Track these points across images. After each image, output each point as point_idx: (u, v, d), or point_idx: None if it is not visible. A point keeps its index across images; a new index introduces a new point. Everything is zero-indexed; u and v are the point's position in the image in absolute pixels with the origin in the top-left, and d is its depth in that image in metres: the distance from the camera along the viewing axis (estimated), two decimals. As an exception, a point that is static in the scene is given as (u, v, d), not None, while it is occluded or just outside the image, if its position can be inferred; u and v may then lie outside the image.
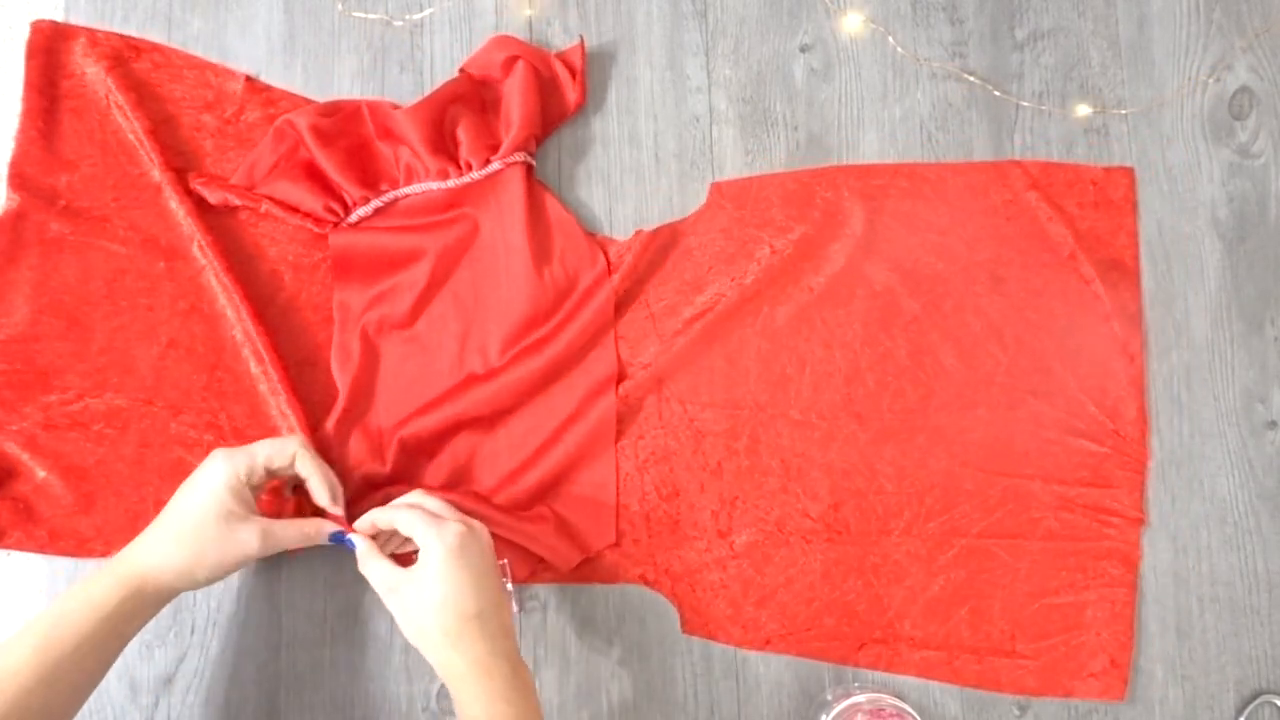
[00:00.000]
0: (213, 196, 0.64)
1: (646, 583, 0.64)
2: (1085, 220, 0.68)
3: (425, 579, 0.52)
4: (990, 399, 0.66)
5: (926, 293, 0.67)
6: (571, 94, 0.67)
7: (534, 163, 0.66)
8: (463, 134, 0.64)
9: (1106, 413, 0.66)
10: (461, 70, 0.67)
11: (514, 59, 0.66)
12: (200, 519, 0.53)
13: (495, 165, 0.65)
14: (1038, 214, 0.68)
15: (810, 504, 0.65)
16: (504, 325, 0.65)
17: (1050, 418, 0.66)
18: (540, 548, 0.62)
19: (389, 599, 0.54)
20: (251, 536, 0.54)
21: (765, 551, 0.65)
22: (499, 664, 0.52)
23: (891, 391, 0.66)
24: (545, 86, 0.67)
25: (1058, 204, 0.68)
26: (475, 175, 0.65)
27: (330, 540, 0.58)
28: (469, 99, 0.66)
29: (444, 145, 0.65)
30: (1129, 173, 0.68)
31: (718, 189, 0.68)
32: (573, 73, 0.67)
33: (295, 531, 0.57)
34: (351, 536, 0.58)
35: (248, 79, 0.67)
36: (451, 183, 0.65)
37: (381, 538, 0.58)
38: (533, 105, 0.65)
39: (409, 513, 0.55)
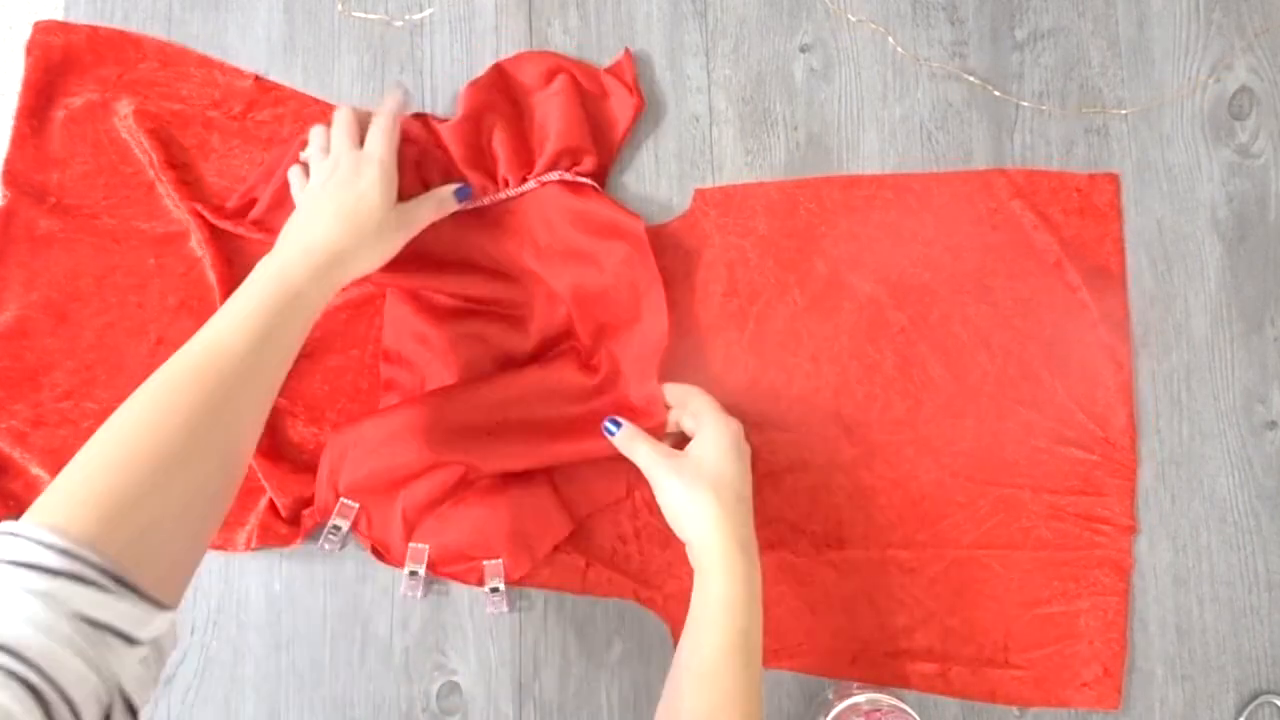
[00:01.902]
0: None
1: (640, 600, 0.63)
2: (1070, 227, 0.68)
3: (712, 458, 0.56)
4: (979, 409, 0.66)
5: (913, 304, 0.67)
6: (628, 102, 0.66)
7: (574, 178, 0.65)
8: (500, 149, 0.64)
9: (1096, 420, 0.66)
10: (496, 66, 0.67)
11: (555, 71, 0.65)
12: (381, 218, 0.57)
13: (530, 185, 0.65)
14: (1023, 222, 0.67)
15: (801, 519, 0.65)
16: (542, 324, 0.65)
17: (1039, 426, 0.66)
18: (534, 519, 0.62)
19: (661, 474, 0.57)
20: (403, 219, 0.60)
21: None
22: (750, 549, 0.55)
23: (880, 403, 0.66)
24: (591, 102, 0.66)
25: (1043, 212, 0.67)
26: (511, 193, 0.65)
27: (457, 197, 0.63)
28: (503, 108, 0.66)
29: (482, 161, 0.65)
30: (1114, 179, 0.68)
31: (701, 195, 0.68)
32: (625, 84, 0.66)
33: (432, 205, 0.61)
34: (612, 423, 0.60)
35: (256, 78, 0.67)
36: (487, 200, 0.65)
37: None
38: (572, 122, 0.64)
39: (701, 397, 0.61)
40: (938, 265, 0.67)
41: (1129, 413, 0.66)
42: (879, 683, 0.63)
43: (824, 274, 0.67)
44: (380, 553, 0.62)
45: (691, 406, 0.61)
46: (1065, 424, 0.66)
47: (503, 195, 0.65)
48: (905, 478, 0.65)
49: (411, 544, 0.62)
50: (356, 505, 0.62)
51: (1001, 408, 0.66)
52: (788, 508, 0.65)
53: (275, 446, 0.64)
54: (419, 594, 0.63)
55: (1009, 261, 0.67)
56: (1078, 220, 0.68)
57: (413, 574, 0.62)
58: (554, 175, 0.64)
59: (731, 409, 0.65)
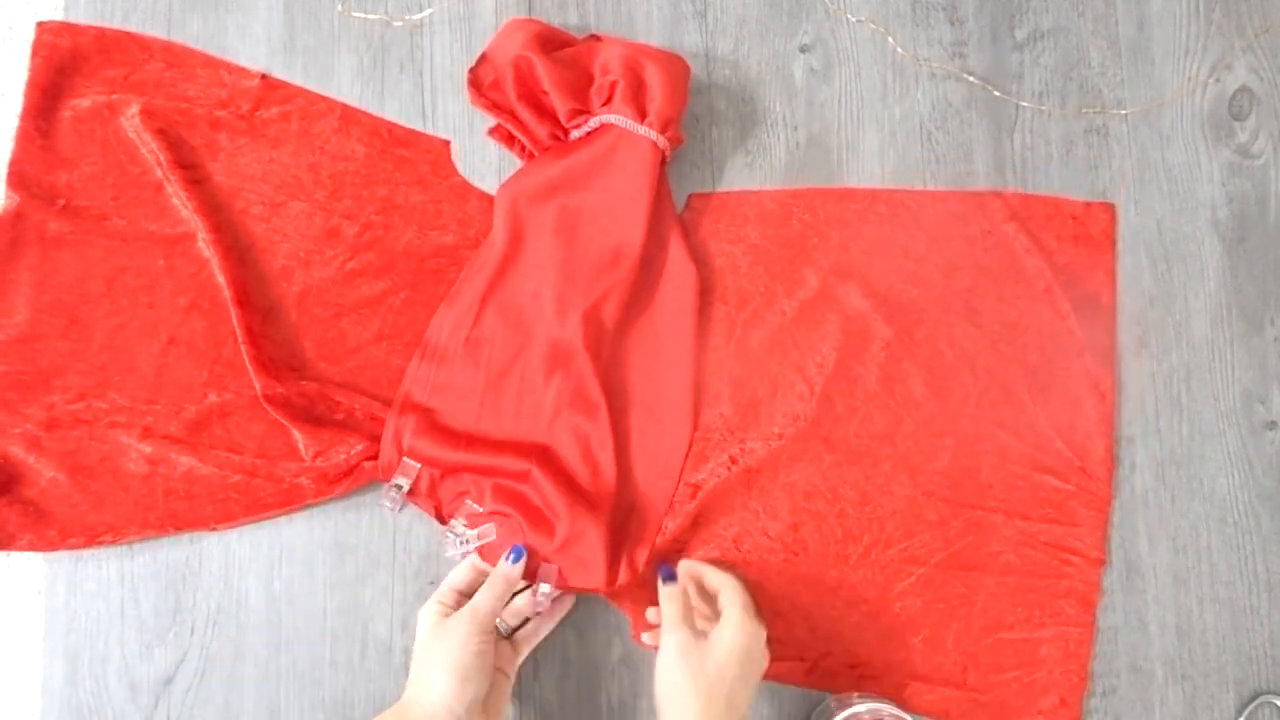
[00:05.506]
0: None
1: (609, 592, 0.63)
2: (1063, 255, 0.67)
3: (722, 658, 0.55)
4: (958, 429, 0.65)
5: (900, 319, 0.66)
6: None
7: (662, 140, 0.64)
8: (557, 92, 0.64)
9: (1074, 449, 0.65)
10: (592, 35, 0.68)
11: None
12: (478, 673, 0.56)
13: (613, 119, 0.64)
14: (1015, 246, 0.67)
15: (770, 523, 0.64)
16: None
17: (1017, 451, 0.65)
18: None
19: (673, 641, 0.56)
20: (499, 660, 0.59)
21: (720, 568, 0.63)
22: None
23: (860, 417, 0.65)
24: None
25: (1036, 237, 0.67)
26: (593, 123, 0.65)
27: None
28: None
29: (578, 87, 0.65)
30: (1109, 208, 0.68)
31: (694, 201, 0.68)
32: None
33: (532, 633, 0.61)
34: (666, 572, 0.60)
35: (263, 76, 0.68)
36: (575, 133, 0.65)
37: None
38: (671, 86, 0.64)
39: (736, 591, 0.58)
40: (927, 283, 0.67)
41: (1108, 445, 0.65)
42: (834, 691, 0.63)
43: (813, 285, 0.67)
44: (439, 514, 0.63)
45: (724, 596, 0.58)
46: (1043, 451, 0.65)
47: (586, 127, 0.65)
48: (878, 492, 0.65)
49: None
50: (418, 465, 0.62)
51: (981, 430, 0.65)
52: (757, 511, 0.64)
53: (316, 419, 0.64)
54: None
55: (999, 284, 0.67)
56: (1071, 248, 0.68)
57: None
58: (644, 130, 0.64)
59: (713, 417, 0.65)
